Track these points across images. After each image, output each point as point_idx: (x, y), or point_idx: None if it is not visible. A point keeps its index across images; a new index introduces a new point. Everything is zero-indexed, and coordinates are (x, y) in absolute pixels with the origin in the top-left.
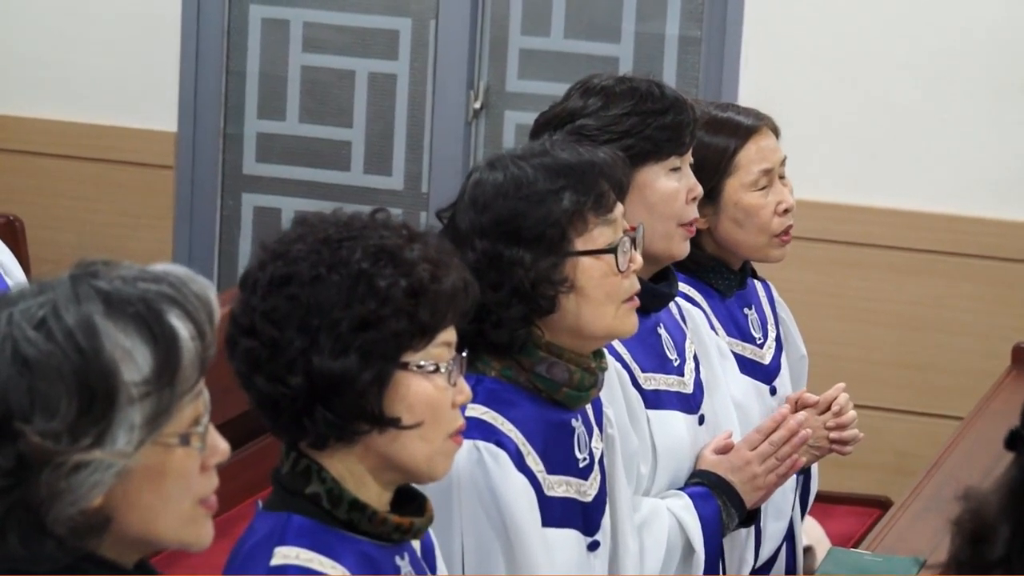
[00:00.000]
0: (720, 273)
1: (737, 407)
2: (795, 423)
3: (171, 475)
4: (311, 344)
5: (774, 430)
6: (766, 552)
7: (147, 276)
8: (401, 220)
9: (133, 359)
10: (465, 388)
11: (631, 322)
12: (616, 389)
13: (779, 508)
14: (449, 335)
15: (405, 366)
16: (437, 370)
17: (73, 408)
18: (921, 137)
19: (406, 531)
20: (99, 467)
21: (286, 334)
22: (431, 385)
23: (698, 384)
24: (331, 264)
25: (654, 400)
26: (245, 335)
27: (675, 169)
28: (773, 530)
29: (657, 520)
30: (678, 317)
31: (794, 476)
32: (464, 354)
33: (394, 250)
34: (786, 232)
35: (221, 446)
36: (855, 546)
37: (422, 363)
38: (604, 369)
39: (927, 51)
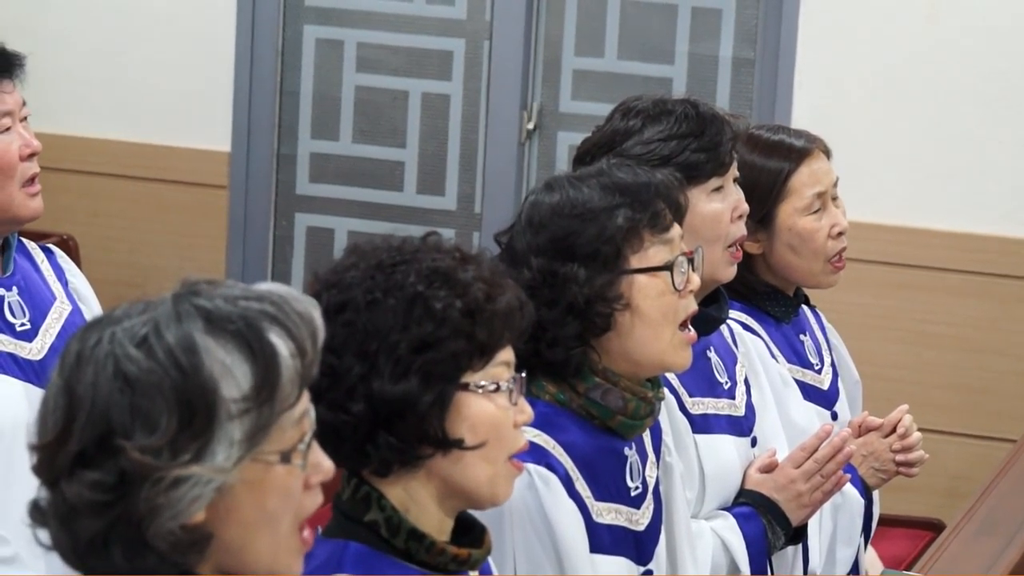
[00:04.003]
0: (775, 300)
1: (802, 434)
2: (839, 440)
3: (273, 492)
4: (370, 369)
5: (818, 448)
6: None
7: (249, 295)
8: (453, 243)
9: (232, 375)
10: (526, 408)
11: (685, 355)
12: (664, 414)
13: (849, 535)
14: (507, 355)
15: (466, 387)
16: (498, 389)
17: (173, 424)
18: (976, 159)
19: (463, 562)
20: (198, 482)
21: (344, 361)
22: (492, 405)
23: (749, 407)
24: (386, 288)
25: (702, 424)
26: None
27: (717, 189)
28: (843, 557)
29: (701, 541)
30: (730, 340)
31: (861, 502)
32: (523, 374)
33: (448, 272)
34: (839, 257)
35: (325, 464)
36: (907, 569)
37: (482, 383)
38: (661, 399)
39: (981, 73)
